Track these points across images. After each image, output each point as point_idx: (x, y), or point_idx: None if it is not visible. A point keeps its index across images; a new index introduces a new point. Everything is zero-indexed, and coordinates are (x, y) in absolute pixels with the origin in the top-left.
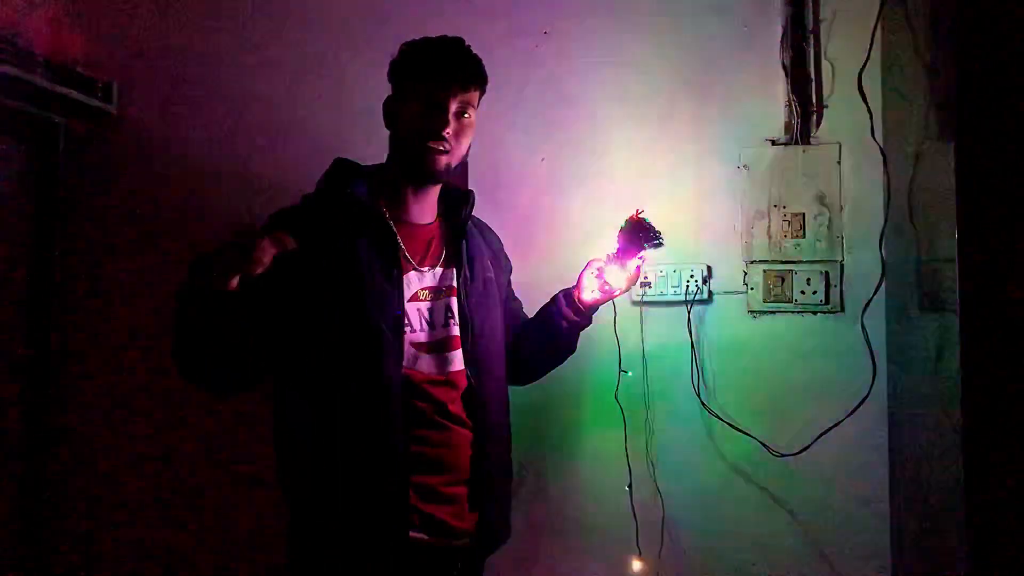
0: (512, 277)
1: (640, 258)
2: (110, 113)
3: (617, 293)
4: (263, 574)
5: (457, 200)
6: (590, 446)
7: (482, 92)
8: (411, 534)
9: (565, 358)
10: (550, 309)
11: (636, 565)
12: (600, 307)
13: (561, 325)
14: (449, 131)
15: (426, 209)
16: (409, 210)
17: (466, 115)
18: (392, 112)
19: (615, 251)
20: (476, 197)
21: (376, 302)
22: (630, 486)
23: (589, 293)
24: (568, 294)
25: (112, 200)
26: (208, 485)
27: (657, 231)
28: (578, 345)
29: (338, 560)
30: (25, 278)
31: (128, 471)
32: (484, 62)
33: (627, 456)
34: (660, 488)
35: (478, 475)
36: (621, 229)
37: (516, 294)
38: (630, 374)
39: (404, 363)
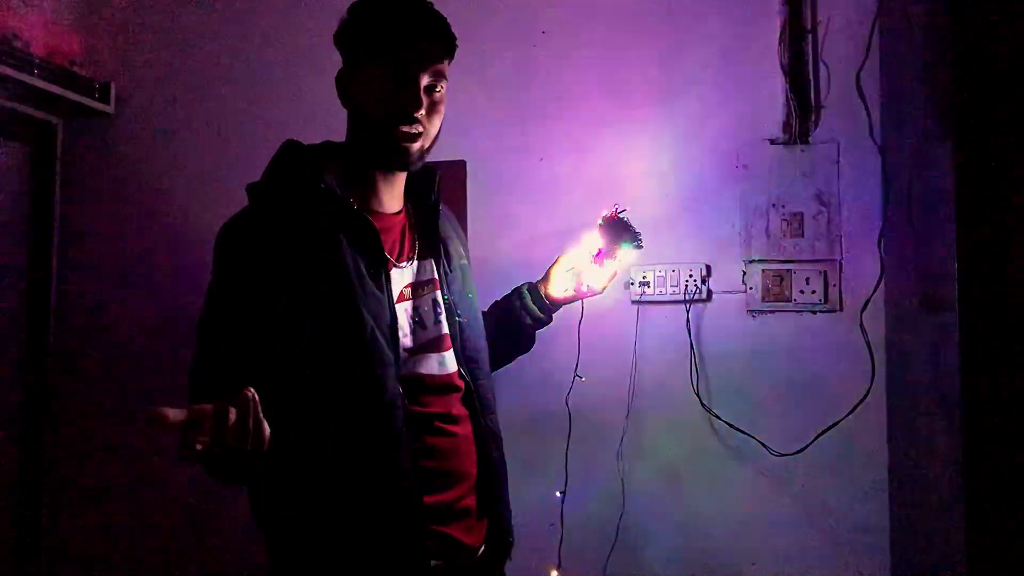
0: (508, 276)
1: (614, 259)
2: (108, 114)
3: (591, 293)
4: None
5: (421, 181)
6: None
7: (452, 60)
8: (433, 562)
9: (520, 355)
10: (513, 303)
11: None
12: (566, 306)
13: (524, 321)
14: (422, 111)
15: (396, 196)
16: (380, 199)
17: (438, 90)
18: (349, 87)
19: (596, 251)
20: (442, 175)
21: (370, 310)
22: (563, 492)
23: (561, 291)
24: (533, 288)
25: (109, 200)
26: (207, 486)
27: (637, 231)
28: (535, 345)
29: None
30: (23, 278)
31: (127, 470)
32: (482, 61)
33: (566, 462)
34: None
35: (483, 481)
36: (600, 227)
37: (505, 292)
38: (584, 379)
39: (402, 372)
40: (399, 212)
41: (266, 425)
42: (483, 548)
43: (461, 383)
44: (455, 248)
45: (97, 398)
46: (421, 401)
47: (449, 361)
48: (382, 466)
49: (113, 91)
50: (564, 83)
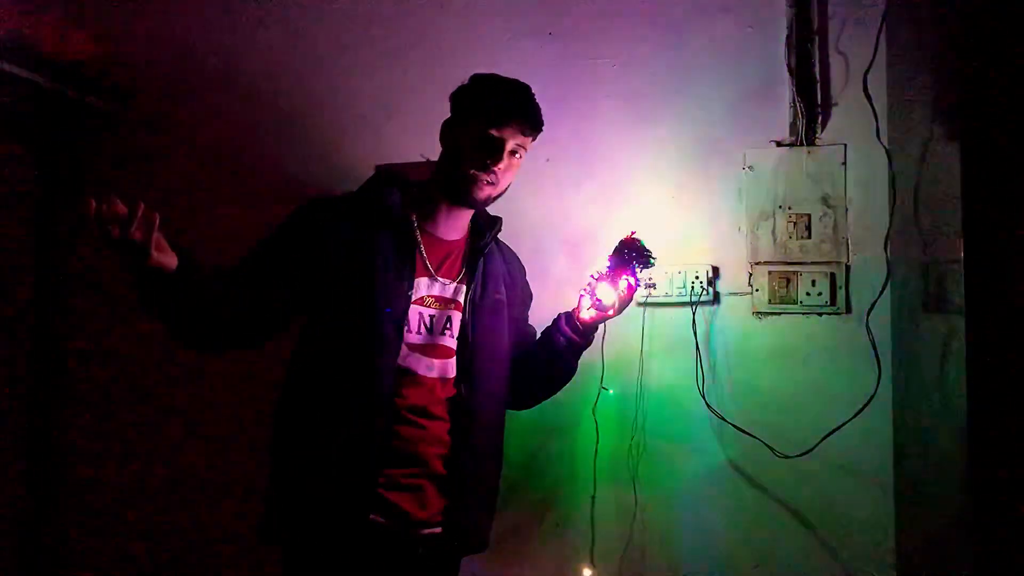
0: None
1: (632, 278)
2: (116, 114)
3: (611, 313)
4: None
5: (485, 225)
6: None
7: (535, 138)
8: (371, 517)
9: (565, 381)
10: (550, 328)
11: (586, 573)
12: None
13: (559, 342)
14: (501, 167)
15: (455, 228)
16: (438, 225)
17: (517, 155)
18: (450, 135)
19: (606, 270)
20: (502, 225)
21: (383, 295)
22: (593, 497)
23: (585, 312)
24: (569, 315)
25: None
26: (205, 486)
27: (648, 251)
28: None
29: (302, 538)
30: (30, 278)
31: (128, 470)
32: (489, 63)
33: (594, 469)
34: (642, 489)
35: (452, 480)
36: (614, 249)
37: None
38: (611, 392)
39: (397, 359)
40: (456, 240)
41: (163, 239)
42: (439, 529)
43: (453, 391)
44: (495, 283)
45: (101, 398)
46: (402, 393)
47: (447, 369)
48: (354, 423)
49: (121, 91)
50: (570, 84)
